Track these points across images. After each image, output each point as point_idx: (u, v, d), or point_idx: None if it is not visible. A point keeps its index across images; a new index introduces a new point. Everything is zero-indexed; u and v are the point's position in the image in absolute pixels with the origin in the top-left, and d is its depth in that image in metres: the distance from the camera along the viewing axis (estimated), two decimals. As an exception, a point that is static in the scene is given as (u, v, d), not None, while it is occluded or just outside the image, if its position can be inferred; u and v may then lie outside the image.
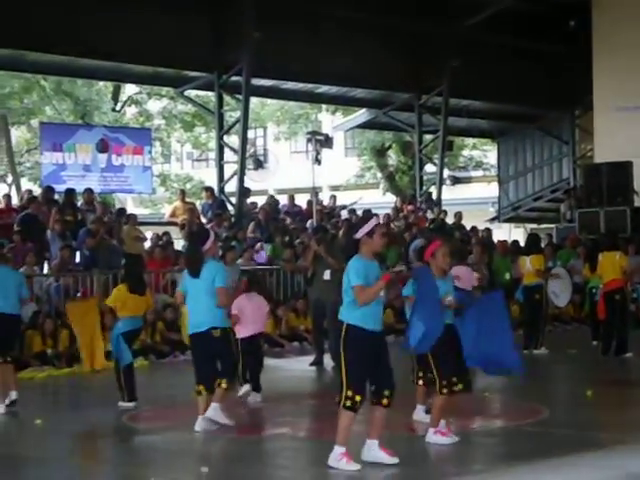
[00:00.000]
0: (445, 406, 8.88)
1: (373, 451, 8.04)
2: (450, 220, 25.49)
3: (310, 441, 9.75)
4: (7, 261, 12.13)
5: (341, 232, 19.32)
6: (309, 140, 22.74)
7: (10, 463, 8.97)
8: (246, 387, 11.48)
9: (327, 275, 14.75)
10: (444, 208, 26.47)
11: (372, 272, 7.99)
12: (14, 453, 9.40)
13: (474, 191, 38.42)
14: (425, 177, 28.91)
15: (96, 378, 14.60)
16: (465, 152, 39.71)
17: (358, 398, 7.84)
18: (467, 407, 10.71)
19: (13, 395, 11.47)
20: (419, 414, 9.85)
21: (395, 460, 8.02)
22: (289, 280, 19.32)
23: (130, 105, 35.76)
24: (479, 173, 40.12)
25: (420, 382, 9.64)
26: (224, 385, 9.75)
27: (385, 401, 7.98)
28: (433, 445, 8.80)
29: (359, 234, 8.04)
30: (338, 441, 7.93)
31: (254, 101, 29.64)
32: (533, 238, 17.67)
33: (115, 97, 34.38)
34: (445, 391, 8.78)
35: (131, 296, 11.41)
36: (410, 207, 25.47)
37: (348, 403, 7.85)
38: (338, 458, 7.88)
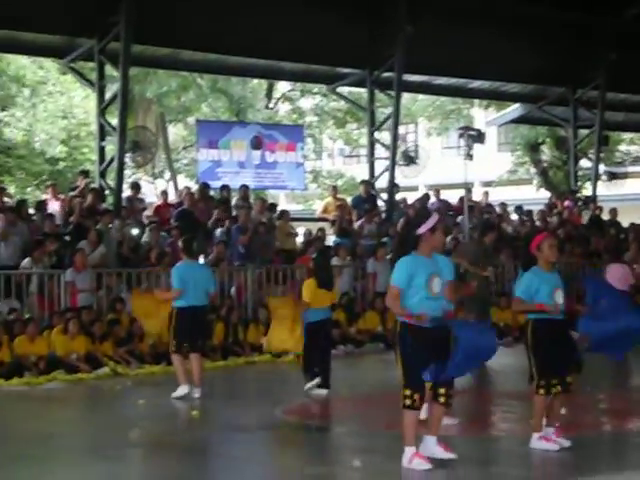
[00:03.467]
0: (543, 408, 8.50)
1: (430, 447, 7.99)
2: (605, 217, 24.93)
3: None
4: (196, 257, 12.77)
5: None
6: (461, 135, 22.51)
7: (166, 449, 9.23)
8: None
9: None
10: (600, 204, 25.90)
11: (423, 269, 7.80)
12: (170, 440, 9.64)
13: (631, 187, 37.39)
14: (580, 173, 28.34)
15: (250, 371, 14.87)
16: (622, 147, 38.73)
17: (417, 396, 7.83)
18: (621, 407, 10.50)
19: (196, 393, 11.94)
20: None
21: (451, 455, 7.93)
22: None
23: (283, 102, 36.23)
24: (637, 168, 39.03)
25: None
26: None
27: (442, 399, 7.93)
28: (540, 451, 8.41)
29: (421, 229, 7.88)
30: (406, 442, 7.92)
31: (405, 96, 29.59)
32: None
33: (268, 95, 34.92)
34: (542, 392, 8.45)
35: (319, 291, 11.96)
36: (567, 203, 25.01)
37: (408, 402, 7.86)
38: (410, 459, 7.86)
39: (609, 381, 12.82)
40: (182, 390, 11.93)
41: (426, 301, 7.80)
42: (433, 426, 8.09)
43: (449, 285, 7.95)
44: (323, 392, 11.85)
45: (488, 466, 8.34)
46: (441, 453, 8.01)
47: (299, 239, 20.30)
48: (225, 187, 20.77)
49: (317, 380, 11.89)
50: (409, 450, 7.90)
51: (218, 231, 18.52)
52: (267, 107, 34.42)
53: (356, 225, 20.88)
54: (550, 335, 8.40)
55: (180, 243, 12.89)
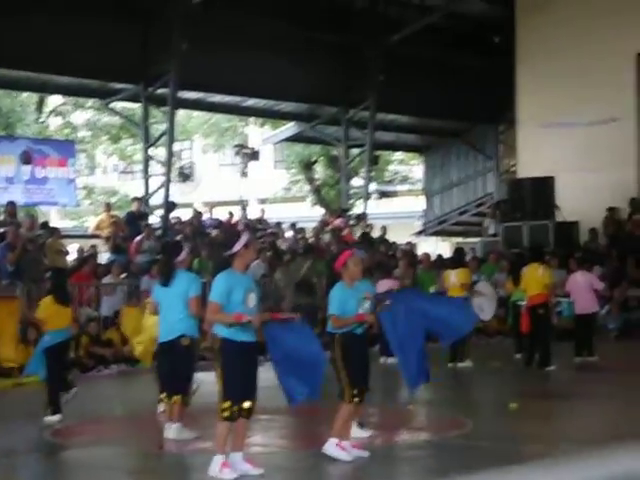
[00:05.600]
0: (350, 417, 8.86)
1: (237, 463, 8.12)
2: (376, 234, 25.62)
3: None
4: None
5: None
6: (236, 153, 22.76)
7: None
8: None
9: None
10: (370, 222, 26.60)
11: (240, 285, 8.10)
12: None
13: (400, 205, 38.68)
14: (352, 191, 29.03)
15: (18, 392, 14.39)
16: (391, 166, 39.99)
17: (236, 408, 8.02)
18: (391, 419, 10.79)
19: None
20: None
21: (259, 470, 8.10)
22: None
23: (55, 116, 35.36)
24: (405, 187, 40.44)
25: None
26: (178, 401, 9.91)
27: (244, 413, 8.11)
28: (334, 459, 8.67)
29: (236, 247, 8.14)
30: (218, 450, 8.08)
31: (181, 113, 29.53)
32: (458, 252, 17.87)
33: (39, 108, 33.99)
34: (356, 400, 8.76)
35: (57, 308, 11.46)
36: (338, 221, 25.54)
37: (226, 414, 8.04)
38: (219, 468, 8.01)
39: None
40: None
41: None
42: (238, 442, 8.19)
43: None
44: (55, 418, 11.25)
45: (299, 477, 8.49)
46: (249, 469, 8.12)
47: (70, 257, 19.82)
48: (-8, 203, 20.05)
49: (59, 416, 11.32)
50: (218, 459, 8.02)
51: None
52: (37, 121, 33.48)
53: (135, 241, 20.48)
54: (356, 348, 8.74)
55: None
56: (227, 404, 8.02)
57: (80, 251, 20.18)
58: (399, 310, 9.13)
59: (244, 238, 8.26)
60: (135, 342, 10.75)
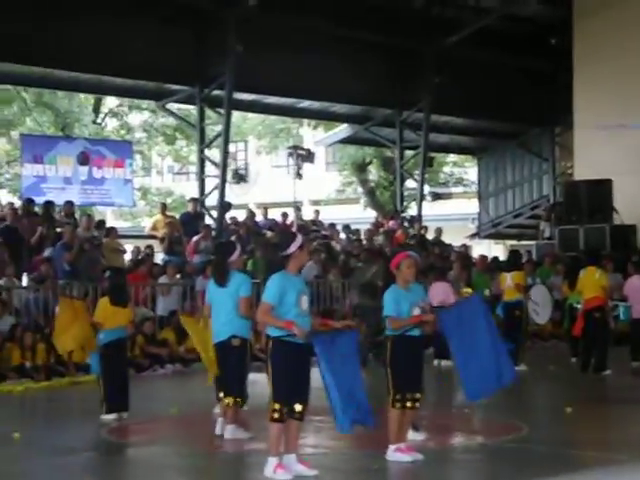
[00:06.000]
0: (398, 421, 8.80)
1: (291, 465, 8.15)
2: (430, 236, 25.55)
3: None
4: None
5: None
6: (290, 154, 22.79)
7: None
8: None
9: None
10: (424, 224, 26.54)
11: (293, 287, 8.12)
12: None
13: (454, 207, 38.52)
14: (406, 193, 28.99)
15: (75, 391, 14.56)
16: (446, 169, 39.84)
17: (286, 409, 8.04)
18: (446, 423, 10.74)
19: None
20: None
21: (313, 471, 8.12)
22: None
23: (111, 118, 35.70)
24: (459, 189, 40.25)
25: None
26: (231, 403, 9.95)
27: (297, 416, 8.12)
28: (396, 463, 8.68)
29: (291, 249, 8.18)
30: (271, 452, 8.11)
31: (236, 115, 29.65)
32: (514, 254, 17.75)
33: (96, 110, 34.34)
34: (398, 405, 8.74)
35: (113, 309, 11.51)
36: (392, 223, 25.51)
37: (276, 415, 8.05)
38: (273, 469, 8.04)
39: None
40: None
41: (299, 318, 8.07)
42: (291, 443, 8.21)
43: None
44: (110, 417, 11.35)
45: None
46: (303, 470, 8.14)
47: (127, 256, 20.00)
48: (49, 203, 20.25)
49: (115, 415, 11.41)
50: (272, 460, 8.06)
51: (47, 249, 18.06)
52: (94, 122, 33.83)
53: (192, 241, 20.58)
54: (408, 351, 8.71)
55: None
56: (276, 406, 8.04)
57: (136, 251, 20.34)
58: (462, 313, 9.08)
59: (299, 240, 8.29)
60: (203, 357, 10.69)
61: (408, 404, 8.76)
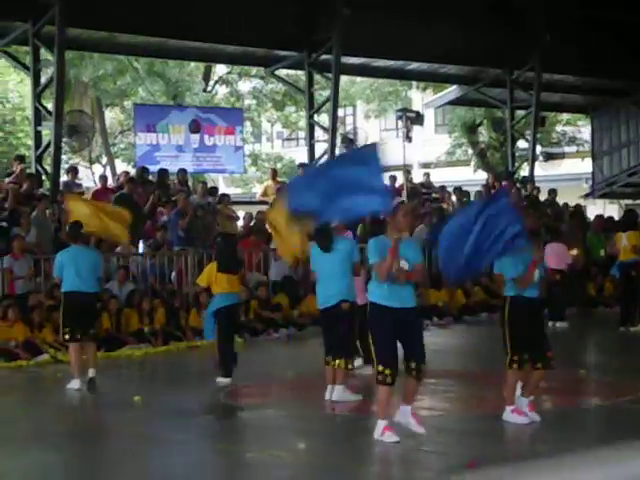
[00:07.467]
0: (515, 383, 8.83)
1: (405, 415, 8.32)
2: (543, 197, 25.19)
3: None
4: (85, 241, 12.15)
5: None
6: (399, 117, 22.62)
7: (112, 438, 9.20)
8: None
9: None
10: (537, 185, 26.17)
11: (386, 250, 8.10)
12: (115, 428, 9.62)
13: (567, 167, 37.77)
14: (517, 154, 28.57)
15: (192, 355, 14.85)
16: (558, 128, 39.12)
17: (388, 372, 8.08)
18: (562, 384, 10.64)
19: (91, 373, 11.62)
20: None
21: (422, 430, 8.26)
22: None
23: (221, 85, 36.03)
24: (572, 149, 39.45)
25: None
26: (342, 365, 10.10)
27: (414, 373, 8.20)
28: (512, 424, 8.72)
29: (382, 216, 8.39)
30: (379, 415, 8.25)
31: (344, 79, 29.60)
32: (630, 214, 17.37)
33: (206, 78, 34.69)
34: (515, 366, 8.74)
35: (221, 275, 11.64)
36: (504, 184, 25.17)
37: (380, 378, 8.12)
38: (381, 431, 8.16)
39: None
40: (75, 384, 11.62)
41: (393, 284, 8.11)
42: (408, 397, 8.36)
43: (418, 267, 8.32)
44: (225, 381, 11.54)
45: (461, 440, 8.51)
46: (414, 425, 8.31)
47: (239, 222, 20.24)
48: (163, 171, 20.61)
49: (230, 380, 11.56)
50: (381, 423, 8.20)
51: (163, 216, 18.40)
52: (205, 90, 34.18)
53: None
54: (525, 312, 8.68)
55: (67, 229, 12.52)
56: (380, 368, 8.12)
57: (248, 217, 20.55)
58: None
59: (393, 205, 8.35)
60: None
61: (525, 365, 8.70)
